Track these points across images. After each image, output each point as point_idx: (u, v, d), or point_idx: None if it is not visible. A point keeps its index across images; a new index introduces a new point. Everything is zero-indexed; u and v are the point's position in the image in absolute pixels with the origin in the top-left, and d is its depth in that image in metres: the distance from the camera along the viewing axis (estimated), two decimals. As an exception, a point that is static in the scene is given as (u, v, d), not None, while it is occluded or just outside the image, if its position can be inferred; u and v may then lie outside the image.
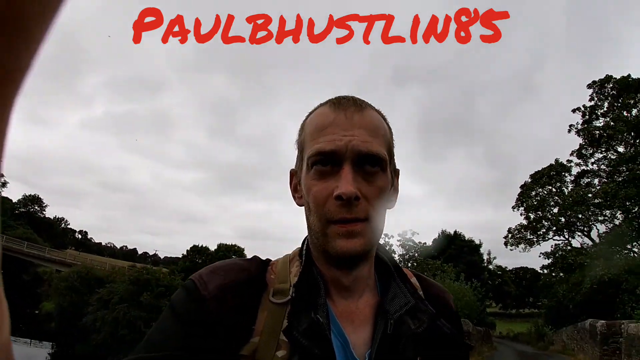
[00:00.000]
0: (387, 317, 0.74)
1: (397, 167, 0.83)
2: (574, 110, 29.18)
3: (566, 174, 29.95)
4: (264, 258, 0.82)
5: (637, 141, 25.52)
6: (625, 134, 25.59)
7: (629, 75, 26.53)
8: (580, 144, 28.93)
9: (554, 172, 29.77)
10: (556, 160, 30.15)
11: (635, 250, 24.62)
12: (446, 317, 0.79)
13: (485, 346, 19.86)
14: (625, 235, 23.31)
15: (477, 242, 45.43)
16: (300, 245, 0.83)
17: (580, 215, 26.44)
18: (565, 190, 29.62)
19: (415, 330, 0.73)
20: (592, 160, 28.83)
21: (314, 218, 0.74)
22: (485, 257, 46.67)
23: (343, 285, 0.76)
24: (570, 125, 29.46)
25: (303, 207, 0.80)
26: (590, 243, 27.36)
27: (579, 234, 28.26)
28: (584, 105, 28.88)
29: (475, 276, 30.82)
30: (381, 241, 0.82)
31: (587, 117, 28.70)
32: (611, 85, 27.43)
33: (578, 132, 28.86)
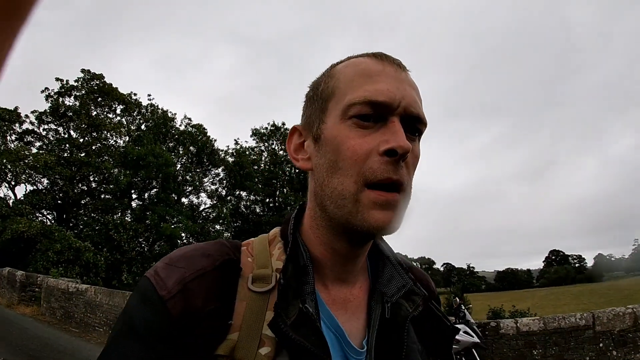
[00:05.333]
0: (384, 301, 0.68)
1: None
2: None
3: (16, 125, 30.27)
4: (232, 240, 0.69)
5: (89, 135, 31.68)
6: (83, 125, 30.94)
7: (112, 85, 32.88)
8: (46, 110, 30.79)
9: (6, 116, 29.33)
10: (15, 108, 30.08)
11: (49, 217, 29.34)
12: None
13: None
14: (41, 200, 28.14)
15: None
16: (281, 226, 0.72)
17: (14, 170, 27.26)
18: (9, 139, 29.91)
19: (412, 314, 0.67)
20: (46, 127, 31.20)
21: (343, 179, 0.60)
22: None
23: (342, 270, 0.68)
24: (46, 88, 30.96)
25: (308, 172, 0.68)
26: (12, 197, 28.29)
27: (6, 185, 28.37)
28: (67, 80, 31.75)
29: None
30: None
31: (63, 91, 31.45)
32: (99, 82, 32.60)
33: (47, 98, 30.69)
